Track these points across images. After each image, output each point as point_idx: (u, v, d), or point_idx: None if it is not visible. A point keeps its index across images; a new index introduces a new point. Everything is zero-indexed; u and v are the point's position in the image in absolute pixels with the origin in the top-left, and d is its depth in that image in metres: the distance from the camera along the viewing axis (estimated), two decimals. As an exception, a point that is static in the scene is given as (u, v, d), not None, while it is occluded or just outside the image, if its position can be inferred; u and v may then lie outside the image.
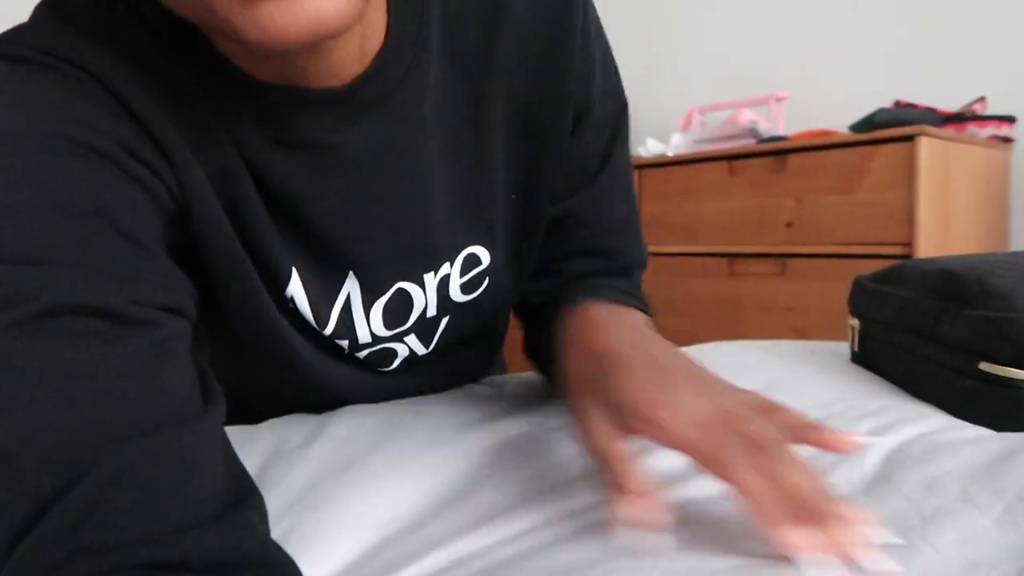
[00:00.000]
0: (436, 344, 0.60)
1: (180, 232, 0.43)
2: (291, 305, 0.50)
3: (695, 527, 0.37)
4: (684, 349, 0.85)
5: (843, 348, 0.85)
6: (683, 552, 0.35)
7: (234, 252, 0.45)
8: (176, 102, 0.40)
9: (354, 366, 0.58)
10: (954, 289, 0.62)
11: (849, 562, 0.32)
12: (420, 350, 0.59)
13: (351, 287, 0.52)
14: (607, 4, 2.79)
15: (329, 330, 0.52)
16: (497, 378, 0.76)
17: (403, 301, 0.54)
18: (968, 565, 0.34)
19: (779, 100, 2.14)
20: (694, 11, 2.59)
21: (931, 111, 1.83)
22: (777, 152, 1.84)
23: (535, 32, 0.49)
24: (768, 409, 0.39)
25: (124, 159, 0.37)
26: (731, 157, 1.93)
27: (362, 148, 0.46)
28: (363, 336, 0.54)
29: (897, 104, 1.94)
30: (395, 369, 0.60)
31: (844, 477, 0.46)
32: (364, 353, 0.56)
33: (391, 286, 0.53)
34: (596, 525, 0.39)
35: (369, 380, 0.60)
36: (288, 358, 0.52)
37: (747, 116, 2.05)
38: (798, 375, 0.71)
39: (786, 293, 1.81)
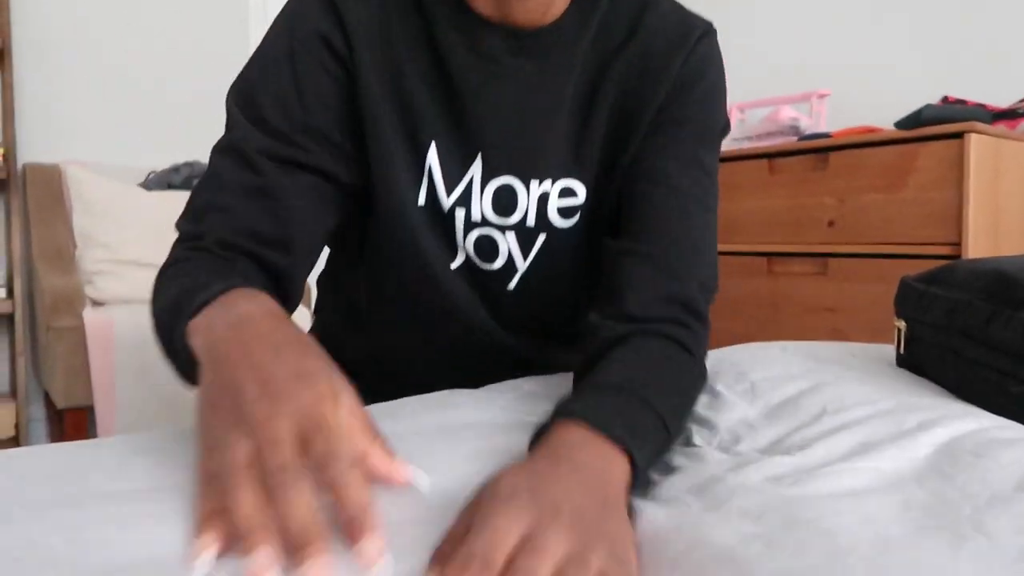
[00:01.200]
0: (533, 260, 0.71)
1: (350, 109, 0.66)
2: (426, 179, 0.68)
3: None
4: (726, 349, 0.83)
5: (888, 351, 0.83)
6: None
7: (385, 118, 0.66)
8: (396, 19, 0.66)
9: (462, 276, 0.71)
10: (1008, 291, 0.60)
11: None
12: (519, 260, 0.71)
13: (476, 171, 0.69)
14: None
15: (452, 199, 0.68)
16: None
17: (510, 196, 0.69)
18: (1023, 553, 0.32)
19: (821, 97, 2.10)
20: (734, 6, 2.55)
21: (981, 107, 1.78)
22: (819, 150, 1.80)
23: (657, 46, 0.69)
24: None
25: (320, 49, 0.64)
26: (771, 155, 1.90)
27: (523, 72, 0.67)
28: (475, 213, 0.69)
29: (945, 100, 1.88)
30: (497, 276, 0.71)
31: (892, 466, 0.44)
32: (474, 236, 0.69)
33: (504, 173, 0.69)
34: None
35: (472, 297, 0.72)
36: (412, 248, 0.69)
37: (788, 113, 2.01)
38: (842, 376, 0.69)
39: (827, 293, 1.77)
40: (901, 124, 1.71)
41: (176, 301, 0.52)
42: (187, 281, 0.54)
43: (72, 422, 1.99)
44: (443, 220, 0.69)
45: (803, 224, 1.82)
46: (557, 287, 0.73)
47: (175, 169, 2.49)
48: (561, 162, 0.69)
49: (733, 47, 2.58)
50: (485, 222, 0.69)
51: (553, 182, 0.69)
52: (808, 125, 2.00)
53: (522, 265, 0.71)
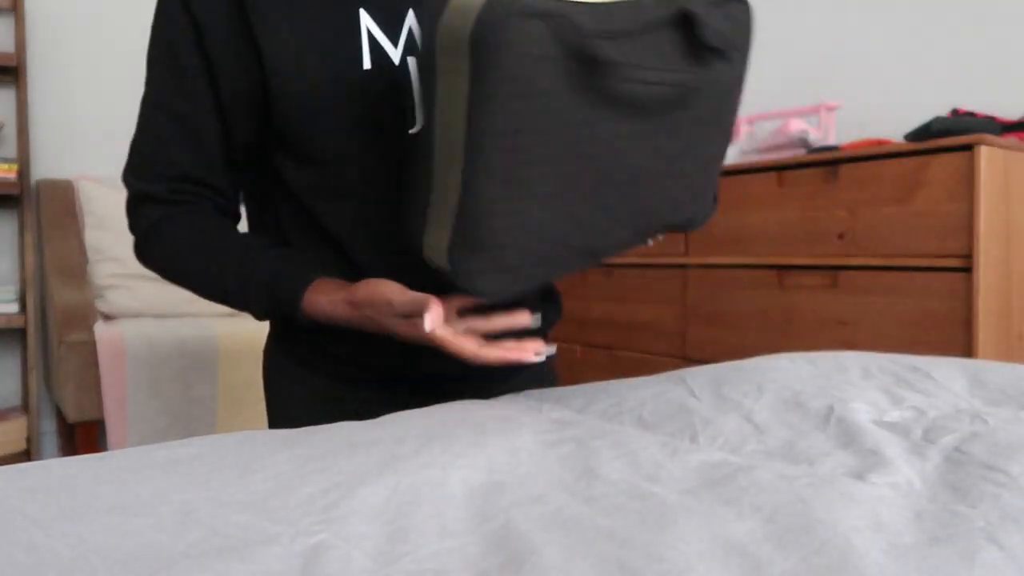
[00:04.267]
0: None
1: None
2: (366, 42, 0.72)
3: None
4: (736, 363, 0.83)
5: (901, 359, 0.82)
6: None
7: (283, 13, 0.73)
8: None
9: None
10: None
11: None
12: None
13: (411, 22, 0.74)
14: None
15: (400, 49, 0.73)
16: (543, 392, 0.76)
17: None
18: None
19: (830, 109, 2.10)
20: (742, 20, 2.56)
21: (991, 119, 1.77)
22: (828, 162, 1.79)
23: None
24: None
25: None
26: (780, 168, 1.89)
27: None
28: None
29: (955, 112, 1.88)
30: None
31: (902, 476, 0.44)
32: None
33: None
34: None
35: None
36: (365, 122, 0.72)
37: (797, 126, 2.01)
38: (851, 382, 0.69)
39: (838, 306, 1.76)
40: (911, 136, 1.70)
41: (251, 283, 0.74)
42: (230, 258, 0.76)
43: (83, 436, 2.00)
44: (394, 77, 0.72)
45: (813, 237, 1.82)
46: None
47: (186, 184, 2.51)
48: None
49: (741, 61, 2.58)
50: None
51: None
52: (817, 138, 1.99)
53: None
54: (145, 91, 0.78)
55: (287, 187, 0.77)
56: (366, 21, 0.72)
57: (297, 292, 0.72)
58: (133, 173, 0.78)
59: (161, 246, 0.78)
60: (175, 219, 0.77)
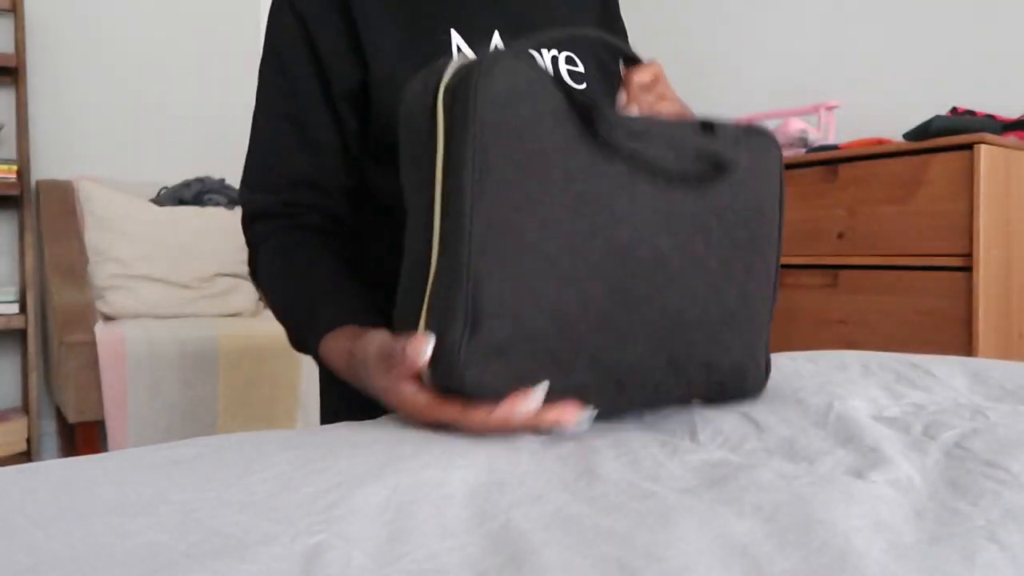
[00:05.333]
0: None
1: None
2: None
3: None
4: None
5: (900, 357, 0.82)
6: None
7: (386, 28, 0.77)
8: None
9: None
10: None
11: None
12: None
13: (497, 42, 0.78)
14: (657, 11, 2.78)
15: None
16: None
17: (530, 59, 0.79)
18: None
19: (829, 109, 2.10)
20: (742, 18, 2.56)
21: (991, 118, 1.77)
22: (828, 162, 1.79)
23: None
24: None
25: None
26: (780, 167, 1.89)
27: None
28: None
29: (954, 111, 1.88)
30: None
31: (903, 473, 0.44)
32: None
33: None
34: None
35: None
36: None
37: (797, 125, 2.01)
38: (850, 379, 0.69)
39: (838, 305, 1.76)
40: (910, 135, 1.71)
41: (297, 319, 0.72)
42: (298, 293, 0.72)
43: (83, 436, 2.00)
44: None
45: (813, 236, 1.82)
46: None
47: (186, 184, 2.51)
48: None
49: (741, 60, 2.58)
50: None
51: (559, 52, 0.81)
52: (817, 137, 2.00)
53: None
54: (257, 102, 0.79)
55: (366, 185, 0.79)
56: (457, 40, 0.76)
57: (313, 341, 0.68)
58: (248, 187, 0.78)
59: (264, 270, 0.77)
60: (278, 242, 0.75)
